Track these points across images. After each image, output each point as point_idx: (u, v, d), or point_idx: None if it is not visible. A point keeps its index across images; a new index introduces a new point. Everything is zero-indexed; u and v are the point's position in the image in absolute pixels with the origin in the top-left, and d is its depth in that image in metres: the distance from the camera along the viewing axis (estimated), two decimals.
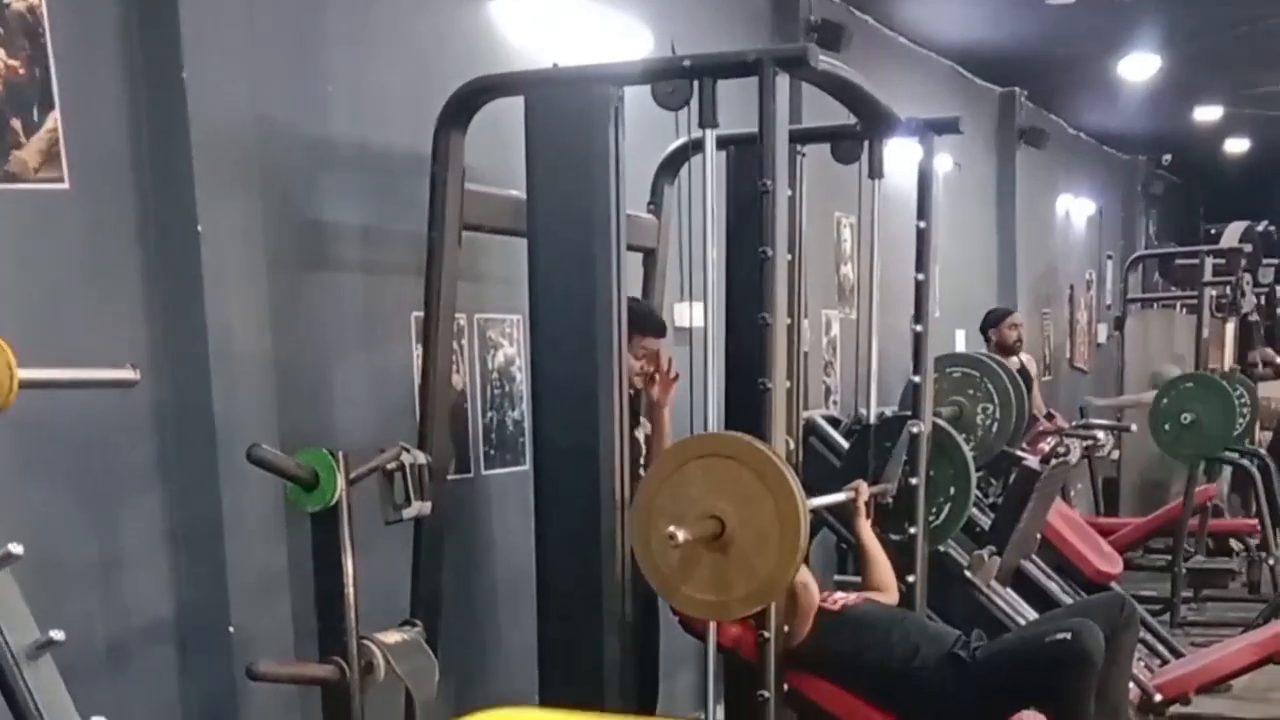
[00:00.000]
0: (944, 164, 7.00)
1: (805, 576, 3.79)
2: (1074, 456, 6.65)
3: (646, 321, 4.06)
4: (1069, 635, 3.78)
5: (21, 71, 2.89)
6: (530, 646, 3.64)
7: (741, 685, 3.81)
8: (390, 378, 3.97)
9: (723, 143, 3.54)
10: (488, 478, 4.35)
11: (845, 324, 6.75)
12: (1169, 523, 7.91)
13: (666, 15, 4.98)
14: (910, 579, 4.29)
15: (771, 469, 3.11)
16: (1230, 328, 9.85)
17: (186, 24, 3.15)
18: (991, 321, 7.60)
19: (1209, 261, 9.47)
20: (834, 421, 5.27)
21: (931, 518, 4.46)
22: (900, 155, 4.64)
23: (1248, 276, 9.91)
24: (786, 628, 3.71)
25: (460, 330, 4.09)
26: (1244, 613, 7.33)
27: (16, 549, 2.17)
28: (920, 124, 4.27)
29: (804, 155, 4.36)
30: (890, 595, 4.19)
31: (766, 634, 3.53)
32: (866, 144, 4.22)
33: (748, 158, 3.52)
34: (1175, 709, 5.42)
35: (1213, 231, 12.09)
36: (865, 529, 4.20)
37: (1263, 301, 10.72)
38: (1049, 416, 7.98)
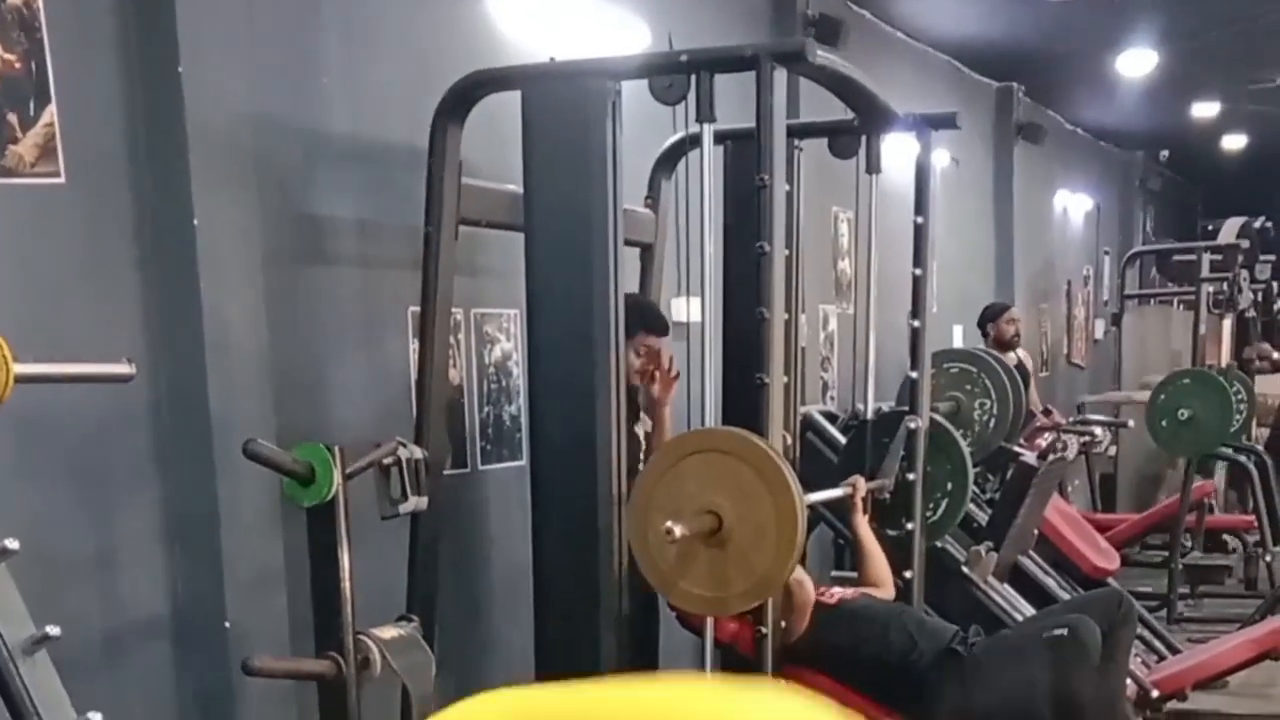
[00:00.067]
0: (941, 159, 7.02)
1: (800, 575, 3.78)
2: (1071, 452, 6.65)
3: (651, 319, 4.05)
4: (1066, 631, 3.79)
5: (18, 66, 2.89)
6: (527, 642, 3.64)
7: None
8: (387, 372, 3.96)
9: (720, 138, 3.54)
10: (484, 473, 4.35)
11: (843, 319, 6.75)
12: (1166, 519, 7.92)
13: (664, 10, 4.98)
14: (907, 574, 4.29)
15: (769, 464, 3.11)
16: (1227, 324, 9.85)
17: (183, 19, 3.15)
18: (989, 316, 7.61)
19: (1206, 257, 9.47)
20: (831, 417, 5.28)
21: (929, 513, 4.46)
22: (898, 150, 4.64)
23: (1245, 272, 9.90)
24: (784, 623, 3.71)
25: (457, 325, 4.09)
26: (1241, 609, 7.33)
27: (12, 544, 2.17)
28: (918, 119, 4.26)
29: (801, 150, 4.35)
30: (887, 591, 4.19)
31: (764, 629, 3.53)
32: (864, 139, 4.21)
33: (745, 152, 3.51)
34: (1172, 705, 5.42)
35: (1210, 227, 12.08)
36: (862, 524, 4.20)
37: (1260, 298, 10.72)
38: (1046, 412, 7.99)
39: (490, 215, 3.85)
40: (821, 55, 3.50)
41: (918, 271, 4.35)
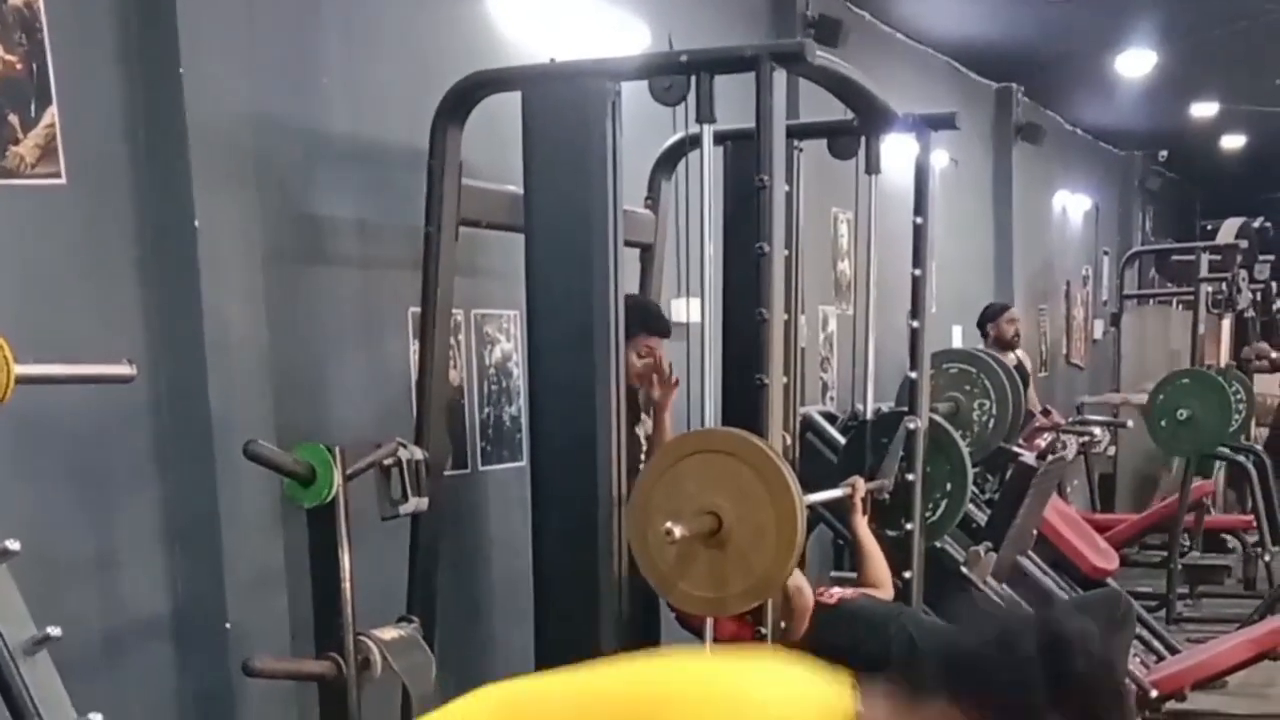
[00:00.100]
0: (941, 160, 7.03)
1: (799, 581, 3.78)
2: (1070, 453, 6.66)
3: (651, 320, 4.04)
4: None
5: (19, 66, 2.89)
6: (527, 642, 3.64)
7: None
8: (387, 373, 3.96)
9: (720, 138, 3.53)
10: (485, 473, 4.35)
11: (842, 320, 6.75)
12: (1165, 519, 7.92)
13: (664, 10, 4.98)
14: (907, 575, 4.29)
15: (768, 465, 3.11)
16: (1226, 324, 9.86)
17: (184, 19, 3.15)
18: (989, 317, 7.61)
19: (1205, 257, 9.48)
20: (831, 417, 5.27)
21: (928, 514, 4.46)
22: (897, 151, 4.64)
23: (1244, 273, 9.91)
24: (784, 625, 3.71)
25: (457, 326, 4.09)
26: (1240, 609, 7.34)
27: (13, 545, 2.17)
28: (917, 120, 4.26)
29: (801, 151, 4.35)
30: (886, 591, 4.19)
31: (763, 630, 3.53)
32: (863, 140, 4.21)
33: (745, 153, 3.51)
34: (1171, 705, 5.43)
35: (1209, 227, 12.08)
36: (862, 525, 4.19)
37: (1259, 298, 10.73)
38: (1045, 412, 7.99)
39: (490, 216, 3.86)
40: (821, 56, 3.50)
41: (917, 272, 4.35)
